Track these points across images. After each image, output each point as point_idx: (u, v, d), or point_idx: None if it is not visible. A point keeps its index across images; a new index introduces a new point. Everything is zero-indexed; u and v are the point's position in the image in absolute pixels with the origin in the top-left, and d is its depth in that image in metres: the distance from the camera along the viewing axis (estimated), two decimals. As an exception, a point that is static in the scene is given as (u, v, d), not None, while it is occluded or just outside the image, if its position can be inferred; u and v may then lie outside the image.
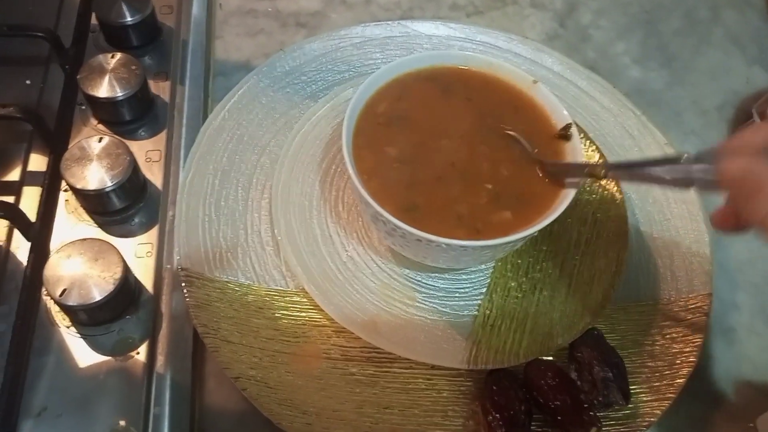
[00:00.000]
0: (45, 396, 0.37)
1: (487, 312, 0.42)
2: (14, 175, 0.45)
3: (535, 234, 0.39)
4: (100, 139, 0.42)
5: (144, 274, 0.41)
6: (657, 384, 0.40)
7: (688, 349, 0.41)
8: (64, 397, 0.37)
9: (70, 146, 0.43)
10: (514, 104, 0.43)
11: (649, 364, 0.41)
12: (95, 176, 0.41)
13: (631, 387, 0.39)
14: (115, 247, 0.38)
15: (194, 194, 0.44)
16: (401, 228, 0.36)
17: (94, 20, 0.53)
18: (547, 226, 0.39)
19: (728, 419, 0.42)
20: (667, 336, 0.42)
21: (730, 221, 0.32)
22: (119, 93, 0.46)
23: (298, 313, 0.42)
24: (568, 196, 0.38)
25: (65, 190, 0.44)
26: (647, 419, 0.39)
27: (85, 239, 0.39)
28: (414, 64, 0.44)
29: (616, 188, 0.48)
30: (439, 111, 0.43)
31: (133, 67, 0.47)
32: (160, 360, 0.38)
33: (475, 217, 0.38)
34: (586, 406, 0.37)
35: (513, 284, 0.44)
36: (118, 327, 0.39)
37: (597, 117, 0.52)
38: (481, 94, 0.43)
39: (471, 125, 0.42)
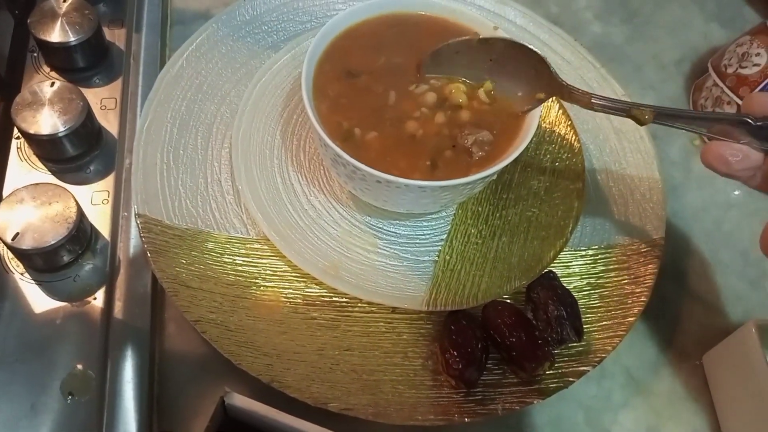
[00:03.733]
0: None
1: (447, 257, 0.43)
2: (-37, 123, 0.44)
3: (494, 177, 0.40)
4: (53, 84, 0.41)
5: (100, 221, 0.41)
6: (608, 322, 0.42)
7: (639, 290, 0.43)
8: (19, 343, 0.36)
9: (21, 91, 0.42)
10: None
11: (602, 304, 0.42)
12: (47, 121, 0.40)
13: (584, 325, 0.40)
14: (69, 191, 0.38)
15: (152, 142, 0.44)
16: (361, 170, 0.36)
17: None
18: (507, 175, 0.40)
19: (678, 358, 0.44)
20: (620, 278, 0.44)
21: None
22: (72, 38, 0.44)
23: (259, 260, 0.42)
24: (526, 137, 0.39)
25: (17, 138, 0.43)
26: (599, 355, 0.40)
27: (38, 184, 0.38)
28: (374, 10, 0.43)
29: (574, 138, 0.48)
30: (401, 57, 0.42)
31: (87, 12, 0.45)
32: (118, 305, 0.38)
33: (436, 159, 0.38)
34: (540, 342, 0.38)
35: (473, 231, 0.44)
36: (74, 273, 0.39)
37: (558, 70, 0.52)
38: (443, 41, 0.43)
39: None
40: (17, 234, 0.36)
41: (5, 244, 0.36)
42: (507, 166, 0.38)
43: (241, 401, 0.30)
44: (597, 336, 0.41)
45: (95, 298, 0.38)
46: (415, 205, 0.40)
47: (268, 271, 0.41)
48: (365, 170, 0.36)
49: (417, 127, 0.40)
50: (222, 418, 0.31)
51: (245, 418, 0.31)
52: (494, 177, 0.40)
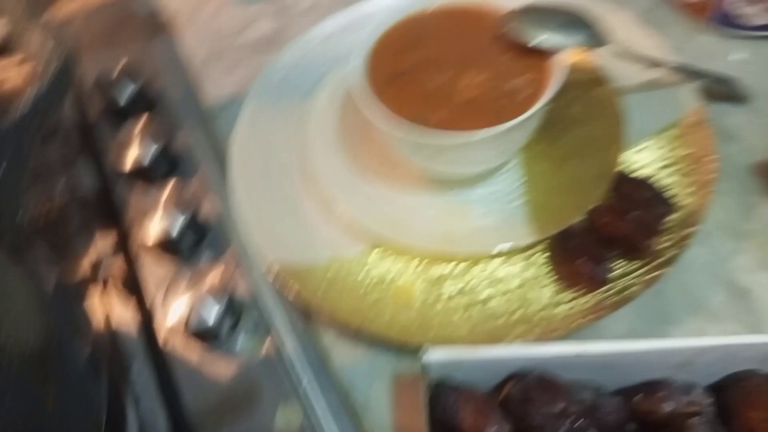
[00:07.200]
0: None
1: (530, 197, 0.48)
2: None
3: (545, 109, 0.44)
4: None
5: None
6: (693, 189, 0.45)
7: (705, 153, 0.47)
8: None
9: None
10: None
11: (678, 178, 0.46)
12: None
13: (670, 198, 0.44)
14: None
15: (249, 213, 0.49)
16: (446, 145, 0.42)
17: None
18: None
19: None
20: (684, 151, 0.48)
21: None
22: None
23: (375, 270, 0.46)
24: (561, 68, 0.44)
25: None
26: (701, 214, 0.43)
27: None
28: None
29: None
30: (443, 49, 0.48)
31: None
32: (289, 344, 0.44)
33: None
34: (644, 222, 0.42)
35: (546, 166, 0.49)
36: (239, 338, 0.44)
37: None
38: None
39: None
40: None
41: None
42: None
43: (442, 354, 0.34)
44: (688, 201, 0.44)
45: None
46: (490, 157, 0.46)
47: (390, 272, 0.46)
48: (452, 143, 0.42)
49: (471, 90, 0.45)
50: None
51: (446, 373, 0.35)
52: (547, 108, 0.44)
